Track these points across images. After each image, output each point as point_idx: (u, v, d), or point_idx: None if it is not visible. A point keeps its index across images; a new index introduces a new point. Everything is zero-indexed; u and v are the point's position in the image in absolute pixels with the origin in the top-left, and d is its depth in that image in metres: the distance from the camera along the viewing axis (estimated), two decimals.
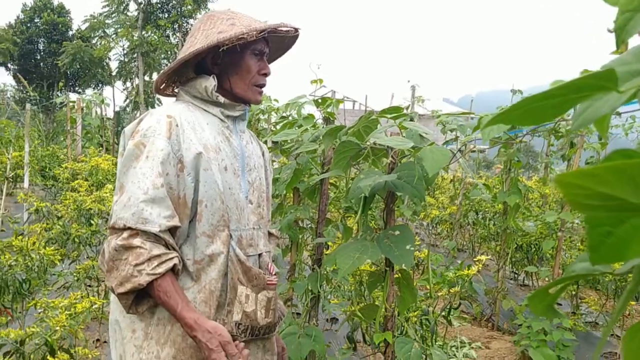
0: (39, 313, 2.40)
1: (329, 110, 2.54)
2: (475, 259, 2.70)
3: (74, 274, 3.42)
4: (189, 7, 24.10)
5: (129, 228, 1.35)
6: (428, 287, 2.67)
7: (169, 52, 23.99)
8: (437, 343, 3.36)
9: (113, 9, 24.61)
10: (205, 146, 1.49)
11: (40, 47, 28.33)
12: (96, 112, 11.96)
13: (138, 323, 1.47)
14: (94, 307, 2.58)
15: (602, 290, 4.43)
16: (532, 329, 3.72)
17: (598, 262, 0.50)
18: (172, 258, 1.38)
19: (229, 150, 1.57)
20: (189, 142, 1.47)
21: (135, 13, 24.68)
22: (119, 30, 24.56)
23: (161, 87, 1.69)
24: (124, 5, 24.66)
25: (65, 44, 24.52)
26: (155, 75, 20.47)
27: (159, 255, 1.35)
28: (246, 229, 1.58)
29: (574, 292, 4.53)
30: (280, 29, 1.59)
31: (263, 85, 1.61)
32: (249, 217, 1.59)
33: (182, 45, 1.64)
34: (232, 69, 1.57)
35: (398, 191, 1.47)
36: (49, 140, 10.99)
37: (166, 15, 24.72)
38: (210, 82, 1.55)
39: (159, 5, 24.80)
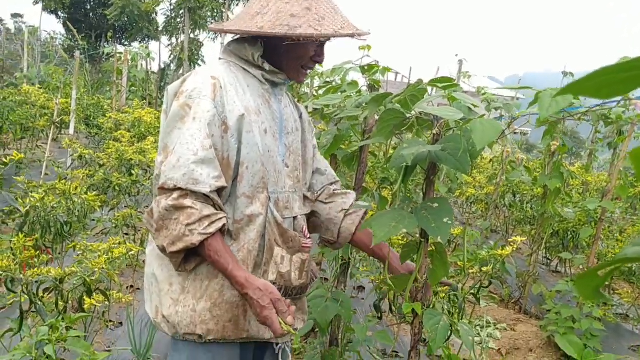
0: (78, 255, 2.48)
1: (374, 77, 2.50)
2: (509, 240, 2.67)
3: (113, 221, 3.52)
4: None
5: (179, 189, 1.37)
6: (460, 263, 2.65)
7: (215, 11, 23.93)
8: (462, 320, 3.36)
9: None
10: (247, 108, 1.49)
11: None
12: (141, 65, 12.10)
13: (176, 277, 1.50)
14: (130, 253, 2.65)
15: (637, 282, 4.33)
16: (561, 316, 3.68)
17: None
18: (221, 218, 1.40)
19: (268, 113, 1.57)
20: (233, 104, 1.47)
21: None
22: None
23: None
24: None
25: None
26: (201, 34, 20.45)
27: (209, 216, 1.37)
28: (283, 192, 1.58)
29: (607, 283, 4.44)
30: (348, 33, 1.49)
31: (311, 69, 1.60)
32: (285, 180, 1.60)
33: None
34: (287, 47, 1.52)
35: (441, 163, 1.45)
36: (94, 90, 11.19)
37: None
38: (258, 49, 1.54)
39: None
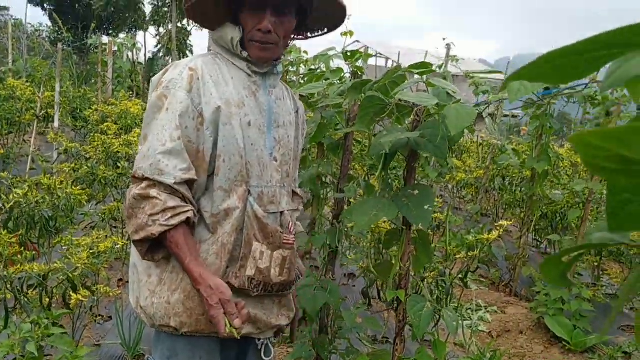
0: (64, 250, 2.47)
1: (357, 64, 2.48)
2: (496, 225, 2.67)
3: (100, 215, 3.50)
4: None
5: (147, 178, 1.38)
6: (448, 249, 2.66)
7: None
8: (452, 305, 3.38)
9: None
10: (226, 101, 1.46)
11: None
12: (127, 56, 11.98)
13: (154, 269, 1.50)
14: (116, 247, 2.64)
15: (626, 263, 4.36)
16: (550, 297, 3.70)
17: (616, 230, 0.47)
18: (186, 211, 1.39)
19: (254, 106, 1.53)
20: (209, 96, 1.45)
21: None
22: None
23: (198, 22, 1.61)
24: None
25: None
26: (188, 23, 20.27)
27: (173, 208, 1.37)
28: (268, 186, 1.55)
29: (595, 263, 4.48)
30: None
31: (262, 42, 1.48)
32: (272, 174, 1.56)
33: None
34: (242, 22, 1.50)
35: (420, 150, 1.44)
36: (81, 82, 11.07)
37: None
38: (236, 34, 1.49)
39: None
